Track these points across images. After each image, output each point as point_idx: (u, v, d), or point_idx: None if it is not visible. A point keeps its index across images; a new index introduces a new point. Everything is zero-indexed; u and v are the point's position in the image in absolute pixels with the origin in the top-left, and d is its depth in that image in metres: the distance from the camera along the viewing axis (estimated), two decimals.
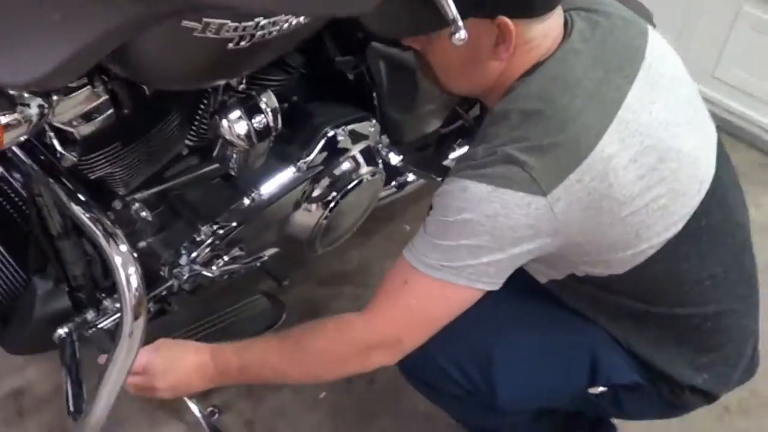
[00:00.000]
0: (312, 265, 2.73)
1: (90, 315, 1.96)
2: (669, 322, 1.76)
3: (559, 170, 1.53)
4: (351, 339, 1.69)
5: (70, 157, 1.66)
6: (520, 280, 1.75)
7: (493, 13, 1.53)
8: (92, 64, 1.27)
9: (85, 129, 1.63)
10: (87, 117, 1.62)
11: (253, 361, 1.74)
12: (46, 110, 1.31)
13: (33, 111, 1.28)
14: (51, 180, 1.64)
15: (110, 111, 1.64)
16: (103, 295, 1.99)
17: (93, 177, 1.75)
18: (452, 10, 1.35)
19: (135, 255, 1.59)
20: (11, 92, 1.25)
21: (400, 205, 2.82)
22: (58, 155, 1.66)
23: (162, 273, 1.99)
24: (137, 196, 1.88)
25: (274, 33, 1.45)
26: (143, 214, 1.87)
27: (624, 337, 1.80)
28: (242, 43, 1.41)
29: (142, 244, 1.94)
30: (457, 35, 1.38)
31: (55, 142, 1.64)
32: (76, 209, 1.62)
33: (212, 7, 1.27)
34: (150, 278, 1.99)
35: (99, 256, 1.93)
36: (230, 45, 1.40)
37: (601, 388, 1.82)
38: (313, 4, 1.07)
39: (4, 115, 1.22)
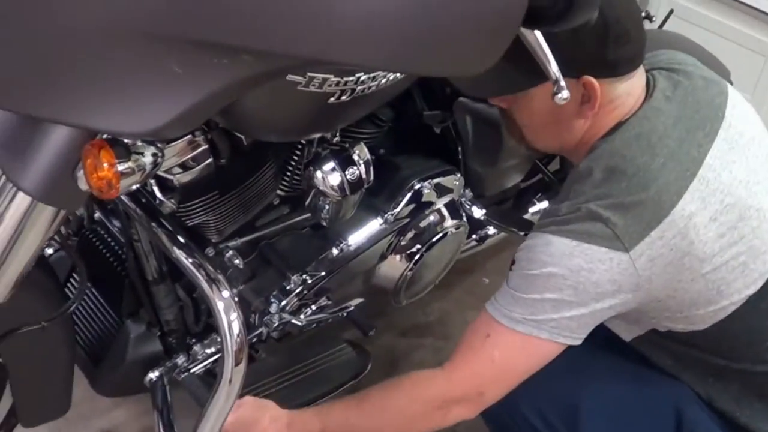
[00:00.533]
0: (394, 316, 2.74)
1: (180, 359, 1.99)
2: (750, 378, 1.76)
3: (641, 227, 1.55)
4: (431, 395, 1.70)
5: (170, 205, 1.71)
6: (605, 336, 1.77)
7: (578, 73, 1.57)
8: (208, 116, 1.31)
9: (185, 177, 1.68)
10: (187, 165, 1.66)
11: (335, 424, 1.74)
12: (159, 159, 1.34)
13: (147, 160, 1.31)
14: (154, 224, 1.68)
15: (209, 160, 1.68)
16: (194, 340, 2.03)
17: (190, 224, 1.79)
18: (555, 71, 1.37)
19: (237, 301, 1.62)
20: (126, 141, 1.29)
21: (480, 258, 2.84)
22: (158, 202, 1.70)
23: (252, 320, 2.01)
24: (230, 243, 1.91)
25: (373, 88, 1.49)
26: (236, 261, 1.90)
27: (707, 393, 1.80)
28: (343, 98, 1.45)
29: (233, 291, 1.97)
30: (559, 95, 1.40)
31: (156, 189, 1.69)
32: (179, 253, 1.65)
33: (332, 65, 1.31)
34: None
35: (191, 301, 1.98)
36: (331, 99, 1.43)
37: None
38: (427, 66, 1.09)
39: (120, 163, 1.26)
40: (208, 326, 2.04)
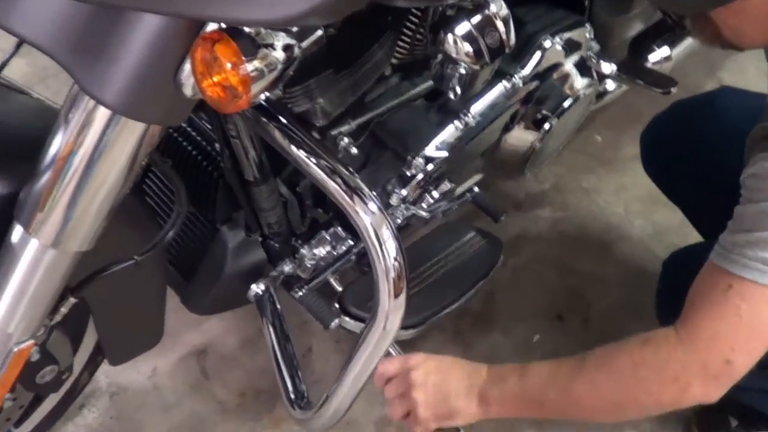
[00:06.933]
0: (502, 187, 2.48)
1: (287, 267, 1.72)
2: None
3: None
4: (663, 361, 1.40)
5: (277, 91, 1.40)
6: None
7: None
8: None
9: None
10: None
11: (537, 387, 1.49)
12: (295, 52, 1.01)
13: (279, 55, 0.98)
14: (268, 121, 1.35)
15: (320, 32, 1.36)
16: (299, 242, 1.74)
17: (297, 111, 1.49)
18: None
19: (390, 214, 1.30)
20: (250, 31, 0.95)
21: (589, 113, 2.53)
22: None
23: None
24: (339, 126, 1.63)
25: None
26: (342, 144, 1.63)
27: None
28: None
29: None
30: None
31: None
32: (300, 156, 1.32)
33: None
34: None
35: (297, 199, 1.69)
36: None
37: None
38: None
39: (249, 61, 0.93)
40: (313, 223, 1.77)
